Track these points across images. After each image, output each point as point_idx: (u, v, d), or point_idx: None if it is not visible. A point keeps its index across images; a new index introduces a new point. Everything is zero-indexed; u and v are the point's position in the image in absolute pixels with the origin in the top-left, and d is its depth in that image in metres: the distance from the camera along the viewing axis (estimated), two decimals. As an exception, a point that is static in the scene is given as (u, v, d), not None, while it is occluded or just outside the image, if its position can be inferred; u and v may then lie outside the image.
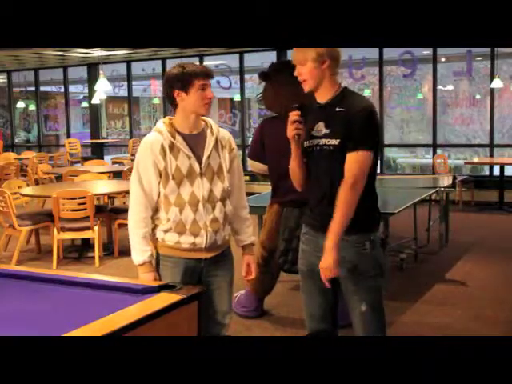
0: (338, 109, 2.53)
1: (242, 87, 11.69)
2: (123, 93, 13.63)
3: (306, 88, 2.58)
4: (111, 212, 6.76)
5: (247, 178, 10.15)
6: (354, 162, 2.48)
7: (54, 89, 15.92)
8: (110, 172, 8.77)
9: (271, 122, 4.16)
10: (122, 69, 12.97)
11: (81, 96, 15.73)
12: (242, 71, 11.54)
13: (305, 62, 2.52)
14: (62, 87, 13.94)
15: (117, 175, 8.97)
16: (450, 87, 12.20)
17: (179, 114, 2.68)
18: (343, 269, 2.57)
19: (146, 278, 2.62)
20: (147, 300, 2.14)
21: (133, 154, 11.67)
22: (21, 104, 14.62)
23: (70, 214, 6.11)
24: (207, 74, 2.62)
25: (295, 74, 2.57)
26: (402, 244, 6.27)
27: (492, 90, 9.71)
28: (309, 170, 2.68)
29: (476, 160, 10.62)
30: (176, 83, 2.60)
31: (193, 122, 2.68)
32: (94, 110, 13.34)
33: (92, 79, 12.45)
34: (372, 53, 10.23)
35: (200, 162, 2.67)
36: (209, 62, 11.95)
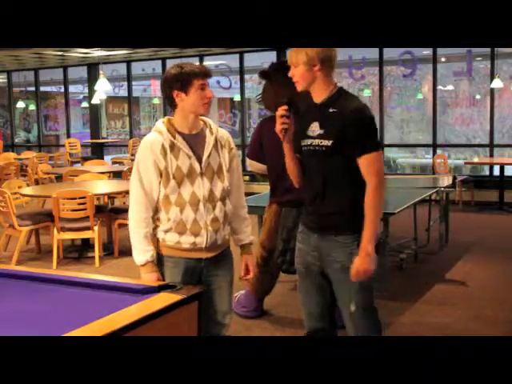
0: (331, 109, 2.56)
1: (242, 87, 11.69)
2: (123, 93, 13.63)
3: (298, 88, 2.63)
4: (111, 212, 6.76)
5: (247, 178, 10.15)
6: (368, 165, 2.53)
7: (53, 89, 15.93)
8: (109, 172, 8.77)
9: (270, 122, 4.16)
10: (122, 69, 12.97)
11: (81, 96, 15.73)
12: (242, 71, 11.54)
13: (297, 65, 2.56)
14: (62, 87, 13.94)
15: (117, 175, 8.97)
16: (450, 87, 12.20)
17: (178, 114, 2.68)
18: (333, 268, 2.59)
19: (149, 278, 2.62)
20: (147, 300, 2.14)
21: (133, 154, 11.67)
22: (21, 104, 14.62)
23: (70, 213, 6.10)
24: (206, 74, 2.63)
25: (289, 74, 2.60)
26: (401, 244, 6.27)
27: (492, 90, 9.71)
28: (304, 168, 2.70)
29: (476, 160, 10.61)
30: (175, 83, 2.60)
31: (192, 122, 2.68)
32: (94, 110, 13.34)
33: (92, 79, 12.45)
34: (372, 53, 10.23)
35: (200, 162, 2.67)
36: (209, 62, 11.96)
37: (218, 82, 12.98)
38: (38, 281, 2.45)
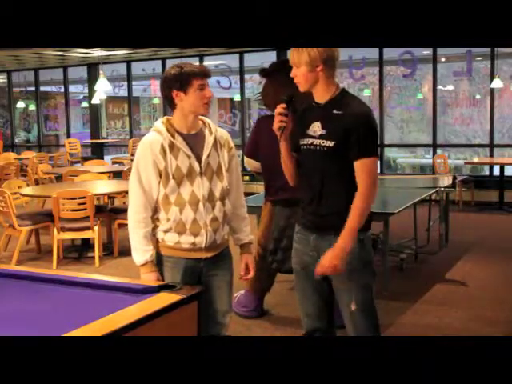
0: (335, 111, 2.55)
1: (241, 87, 11.69)
2: (123, 93, 13.63)
3: (301, 89, 2.62)
4: (111, 212, 6.76)
5: (247, 178, 10.16)
6: (364, 170, 2.52)
7: (54, 89, 15.92)
8: (110, 172, 8.77)
9: (267, 120, 4.20)
10: (122, 69, 12.97)
11: (81, 96, 15.73)
12: (242, 71, 11.54)
13: (299, 65, 2.54)
14: (62, 87, 13.94)
15: (117, 175, 8.97)
16: (450, 87, 12.20)
17: (177, 113, 2.68)
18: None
19: (148, 278, 2.62)
20: (147, 300, 2.14)
21: (133, 154, 11.66)
22: (21, 104, 14.62)
23: (70, 214, 6.11)
24: (205, 74, 2.62)
25: (291, 74, 2.59)
26: (401, 244, 6.27)
27: (492, 90, 9.71)
28: (300, 167, 2.71)
29: (476, 160, 10.61)
30: (174, 83, 2.60)
31: (191, 122, 2.68)
32: (94, 110, 13.34)
33: (92, 79, 12.46)
34: (372, 53, 10.24)
35: (199, 162, 2.67)
36: (209, 62, 11.96)
37: (218, 82, 12.98)
38: (38, 281, 2.45)
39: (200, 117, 2.72)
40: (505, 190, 9.05)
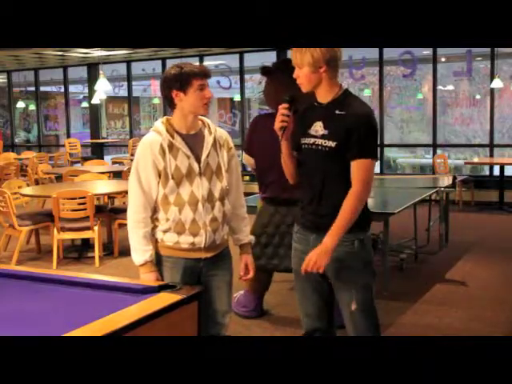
0: (338, 111, 2.55)
1: (241, 87, 11.69)
2: (123, 93, 13.63)
3: (304, 90, 2.61)
4: (111, 212, 6.76)
5: (247, 177, 10.15)
6: (360, 170, 2.52)
7: (54, 89, 15.92)
8: (110, 172, 8.77)
9: (263, 118, 4.24)
10: (122, 69, 12.97)
11: (81, 96, 15.73)
12: (242, 71, 11.54)
13: (302, 66, 2.54)
14: (62, 87, 13.94)
15: (117, 175, 8.97)
16: (450, 87, 12.20)
17: (177, 114, 2.68)
18: (332, 267, 2.59)
19: (148, 278, 2.62)
20: (147, 300, 2.13)
21: (132, 154, 11.66)
22: (21, 104, 14.62)
23: (70, 214, 6.11)
24: (205, 74, 2.62)
25: (294, 75, 2.59)
26: (401, 244, 6.27)
27: (492, 90, 9.71)
28: (301, 167, 2.71)
29: (476, 160, 10.61)
30: (174, 83, 2.60)
31: (191, 122, 2.68)
32: (94, 110, 13.35)
33: (92, 79, 12.46)
34: (372, 53, 10.24)
35: (199, 162, 2.67)
36: (209, 62, 11.96)
37: (218, 82, 12.98)
38: (38, 281, 2.45)
39: (199, 117, 2.72)
40: (505, 190, 9.05)
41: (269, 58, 9.59)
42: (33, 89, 14.38)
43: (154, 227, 2.72)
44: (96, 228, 6.10)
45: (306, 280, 2.72)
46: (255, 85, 13.20)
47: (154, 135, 2.66)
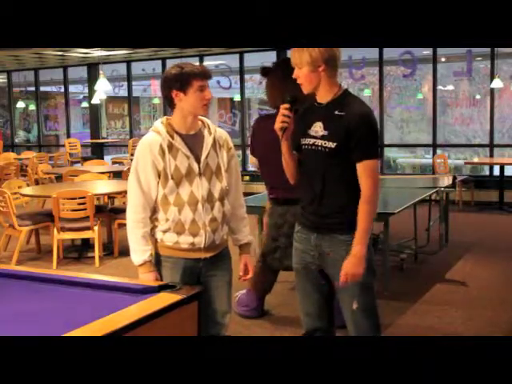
0: (337, 112, 2.55)
1: (242, 87, 11.69)
2: (123, 93, 13.63)
3: (304, 91, 2.62)
4: (111, 212, 6.76)
5: (247, 177, 10.15)
6: (366, 172, 2.54)
7: (54, 89, 15.92)
8: (110, 172, 8.77)
9: (264, 119, 4.25)
10: (122, 69, 12.97)
11: (81, 96, 15.73)
12: (242, 71, 11.54)
13: (301, 66, 2.54)
14: (62, 87, 13.94)
15: (117, 175, 8.97)
16: (450, 87, 12.20)
17: (177, 114, 2.67)
18: (334, 267, 2.60)
19: (147, 278, 2.62)
20: (147, 300, 2.13)
21: (132, 154, 11.62)
22: (21, 104, 14.61)
23: (70, 213, 6.11)
24: (205, 75, 2.62)
25: (293, 75, 2.59)
26: (401, 244, 6.27)
27: (492, 90, 9.71)
28: (301, 167, 2.71)
29: (476, 160, 10.61)
30: (174, 84, 2.60)
31: (190, 122, 2.68)
32: (94, 110, 13.34)
33: (92, 79, 12.45)
34: (372, 53, 10.24)
35: (198, 162, 2.66)
36: (209, 62, 11.95)
37: (218, 82, 12.98)
38: (38, 281, 2.45)
39: (199, 117, 2.72)
40: (505, 189, 9.05)
41: (269, 57, 9.59)
42: (33, 89, 14.38)
43: (154, 227, 2.71)
44: (96, 228, 6.10)
45: (307, 279, 2.73)
46: (255, 85, 13.20)
47: (154, 135, 2.66)
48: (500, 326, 4.31)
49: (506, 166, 9.12)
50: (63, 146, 13.83)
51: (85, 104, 14.56)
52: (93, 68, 12.71)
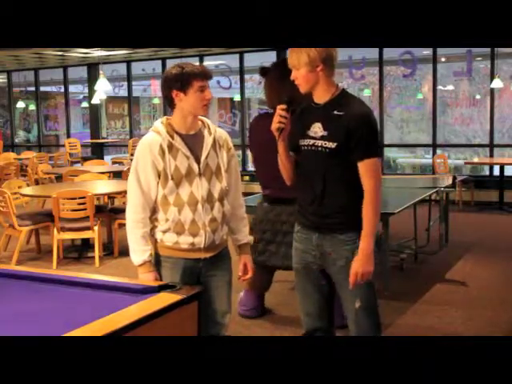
0: (336, 112, 2.55)
1: (241, 87, 11.69)
2: (123, 93, 13.63)
3: (302, 91, 2.62)
4: (111, 212, 6.76)
5: (247, 177, 10.15)
6: (368, 170, 2.54)
7: (54, 89, 15.92)
8: (110, 172, 8.77)
9: (262, 118, 4.27)
10: (122, 69, 12.96)
11: (81, 96, 15.73)
12: (242, 71, 11.54)
13: (299, 67, 2.55)
14: (62, 87, 13.94)
15: (117, 175, 8.97)
16: (450, 87, 12.20)
17: (177, 114, 2.67)
18: (336, 266, 2.60)
19: (146, 278, 2.62)
20: (147, 300, 2.13)
21: (132, 154, 11.62)
22: (21, 104, 14.61)
23: (70, 214, 6.11)
24: (206, 75, 2.62)
25: (291, 77, 2.60)
26: (402, 244, 6.27)
27: (492, 90, 9.71)
28: (299, 167, 2.71)
29: (476, 160, 10.61)
30: (175, 83, 2.60)
31: (190, 123, 2.68)
32: (94, 110, 13.34)
33: (92, 79, 12.46)
34: (372, 53, 10.24)
35: (198, 162, 2.66)
36: (209, 62, 11.96)
37: (218, 82, 12.98)
38: (38, 281, 2.45)
39: (199, 117, 2.72)
40: (505, 189, 9.05)
41: (269, 57, 9.59)
42: (33, 89, 14.38)
43: (154, 227, 2.71)
44: (96, 228, 6.10)
45: (307, 279, 2.73)
46: (255, 85, 13.19)
47: (154, 135, 2.66)
48: (500, 326, 4.31)
49: (505, 166, 9.12)
50: (63, 145, 13.83)
51: (85, 104, 14.56)
52: (93, 68, 12.71)
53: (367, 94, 12.23)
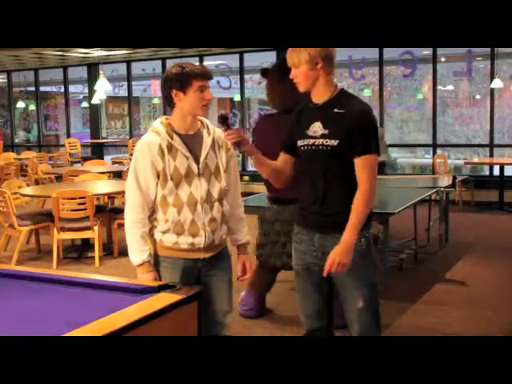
0: (336, 110, 2.55)
1: (241, 87, 11.69)
2: (123, 93, 13.63)
3: (301, 89, 2.62)
4: (111, 212, 6.76)
5: (247, 177, 10.15)
6: (365, 167, 2.54)
7: (54, 89, 15.92)
8: (109, 172, 8.77)
9: (264, 119, 4.26)
10: (122, 69, 12.96)
11: (81, 96, 15.73)
12: (241, 71, 11.54)
13: (299, 65, 2.55)
14: (62, 87, 13.94)
15: (117, 175, 8.97)
16: (450, 87, 12.20)
17: (176, 114, 2.67)
18: None
19: (146, 278, 2.61)
20: (147, 300, 2.13)
21: (132, 154, 11.64)
22: (21, 104, 14.62)
23: (70, 214, 6.11)
24: (206, 75, 2.61)
25: (290, 76, 2.60)
26: (402, 244, 6.27)
27: (492, 90, 9.71)
28: (299, 168, 2.71)
29: (476, 160, 10.61)
30: (175, 83, 2.59)
31: (190, 123, 2.67)
32: (94, 110, 13.34)
33: (92, 79, 12.45)
34: (372, 53, 10.23)
35: (198, 163, 2.66)
36: (209, 62, 11.95)
37: (218, 82, 12.98)
38: (37, 281, 2.45)
39: (198, 117, 2.72)
40: (505, 190, 9.05)
41: (269, 57, 9.60)
42: (33, 89, 14.37)
43: (153, 228, 2.71)
44: (96, 228, 6.10)
45: (308, 280, 2.73)
46: (255, 85, 13.20)
47: (153, 135, 2.65)
48: (500, 326, 4.31)
49: (505, 166, 9.12)
50: (63, 145, 13.83)
51: (85, 104, 14.56)
52: (93, 68, 12.71)
53: (367, 94, 12.23)
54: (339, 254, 2.52)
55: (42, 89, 14.58)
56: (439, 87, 10.85)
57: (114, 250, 6.46)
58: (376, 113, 9.91)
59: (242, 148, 2.57)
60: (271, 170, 2.74)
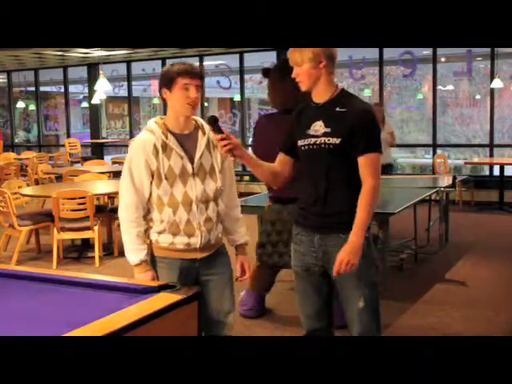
0: (338, 109, 2.56)
1: (241, 87, 11.69)
2: (123, 93, 13.63)
3: (303, 88, 2.62)
4: (111, 212, 6.76)
5: (247, 177, 10.14)
6: (368, 165, 2.54)
7: (54, 89, 15.92)
8: (109, 172, 8.77)
9: (265, 119, 4.26)
10: (122, 69, 12.96)
11: (81, 96, 15.74)
12: (241, 71, 11.54)
13: (302, 63, 2.55)
14: (62, 87, 13.94)
15: (117, 175, 8.96)
16: (450, 87, 12.20)
17: (170, 113, 2.67)
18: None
19: (144, 278, 2.61)
20: (147, 300, 2.13)
21: (133, 154, 11.64)
22: (21, 104, 14.62)
23: (70, 213, 6.11)
24: (190, 73, 2.57)
25: (293, 75, 2.60)
26: (402, 244, 6.27)
27: (492, 90, 9.71)
28: (299, 169, 2.72)
29: (476, 160, 10.62)
30: (163, 81, 2.61)
31: (183, 122, 2.66)
32: (94, 110, 13.34)
33: (92, 79, 12.45)
34: (372, 53, 10.24)
35: (192, 162, 2.65)
36: (209, 62, 11.96)
37: (218, 82, 12.98)
38: (37, 281, 2.45)
39: (193, 117, 2.71)
40: (505, 190, 9.05)
41: (269, 57, 9.60)
42: (33, 89, 14.37)
43: (149, 228, 2.70)
44: (96, 228, 6.10)
45: (307, 281, 2.73)
46: (255, 85, 13.20)
47: (148, 134, 2.65)
48: (500, 325, 4.31)
49: (505, 166, 9.12)
50: (63, 145, 13.83)
51: (85, 104, 14.56)
52: (93, 68, 12.71)
53: (367, 94, 12.24)
54: (348, 253, 2.52)
55: (41, 89, 14.59)
56: (439, 87, 10.85)
57: (114, 249, 6.46)
58: (376, 113, 9.89)
59: (234, 153, 2.54)
60: (266, 171, 2.73)
